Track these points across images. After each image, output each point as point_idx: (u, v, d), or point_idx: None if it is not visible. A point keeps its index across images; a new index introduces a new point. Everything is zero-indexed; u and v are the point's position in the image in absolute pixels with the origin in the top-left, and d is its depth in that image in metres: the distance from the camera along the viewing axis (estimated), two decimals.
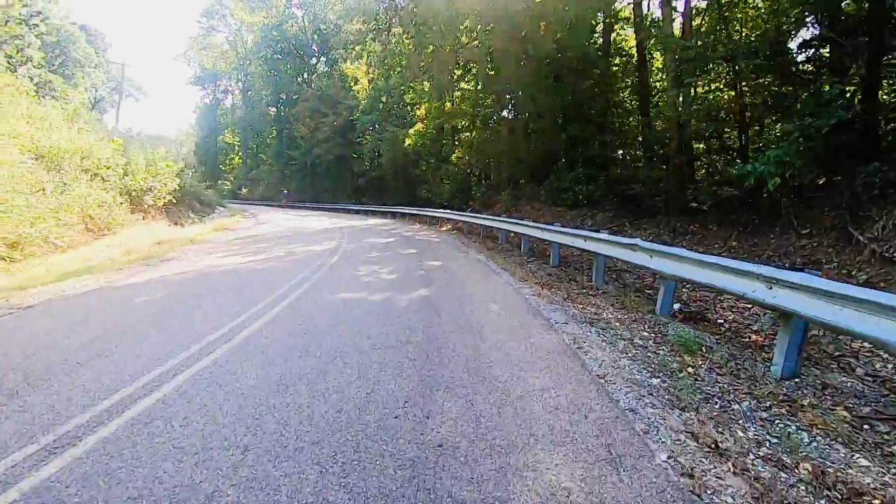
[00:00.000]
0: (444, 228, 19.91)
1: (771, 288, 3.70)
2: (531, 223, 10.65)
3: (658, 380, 3.61)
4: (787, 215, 7.60)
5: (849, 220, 6.61)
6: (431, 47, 17.33)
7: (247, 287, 7.00)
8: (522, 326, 5.01)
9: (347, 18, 38.82)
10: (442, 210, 20.76)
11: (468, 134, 24.52)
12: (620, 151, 14.73)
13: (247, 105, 61.91)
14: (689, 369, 3.81)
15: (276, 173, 54.32)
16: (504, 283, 7.56)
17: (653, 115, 13.09)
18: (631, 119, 14.16)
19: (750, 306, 5.52)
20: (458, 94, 24.06)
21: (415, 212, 23.93)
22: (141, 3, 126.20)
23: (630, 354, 4.17)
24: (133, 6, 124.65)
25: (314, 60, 53.37)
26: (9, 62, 38.32)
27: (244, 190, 60.70)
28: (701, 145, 11.44)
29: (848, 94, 7.00)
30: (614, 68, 15.45)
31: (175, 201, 23.79)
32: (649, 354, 4.19)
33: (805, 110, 7.17)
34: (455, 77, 19.85)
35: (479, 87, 21.24)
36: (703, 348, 4.29)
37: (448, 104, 22.87)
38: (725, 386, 3.54)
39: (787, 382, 3.59)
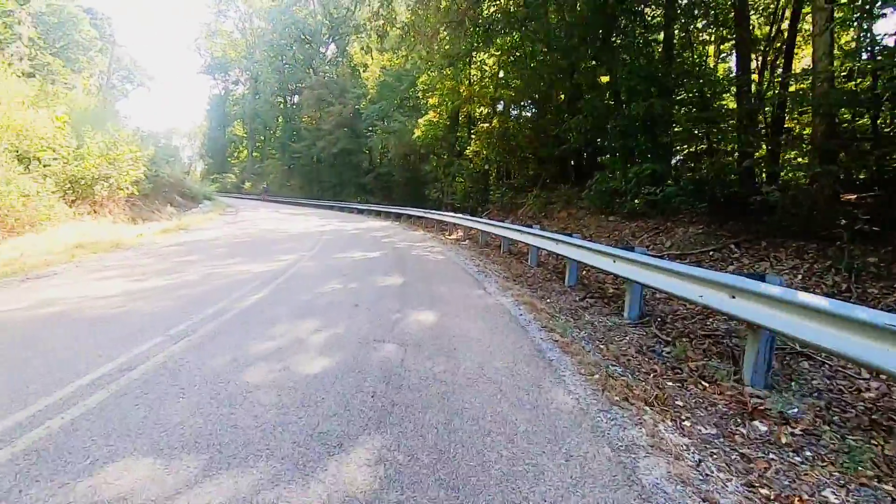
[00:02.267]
0: (453, 236, 15.97)
1: None
2: (588, 244, 6.66)
3: None
4: None
5: None
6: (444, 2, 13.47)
7: None
8: None
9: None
10: (452, 214, 16.83)
11: (486, 124, 20.56)
12: (700, 140, 10.58)
13: (254, 95, 58.83)
14: None
15: (282, 167, 51.13)
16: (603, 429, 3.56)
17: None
18: (725, 91, 10.04)
19: None
20: (475, 71, 20.07)
21: (421, 214, 20.05)
22: None
23: None
24: None
25: (323, 47, 49.94)
26: None
27: (248, 184, 57.62)
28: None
29: None
30: (699, 21, 11.23)
31: (143, 193, 20.37)
32: None
33: None
34: (473, 44, 15.85)
35: (504, 59, 17.18)
36: None
37: (465, 86, 19.04)
38: None
39: None
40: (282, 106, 54.73)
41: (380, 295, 5.76)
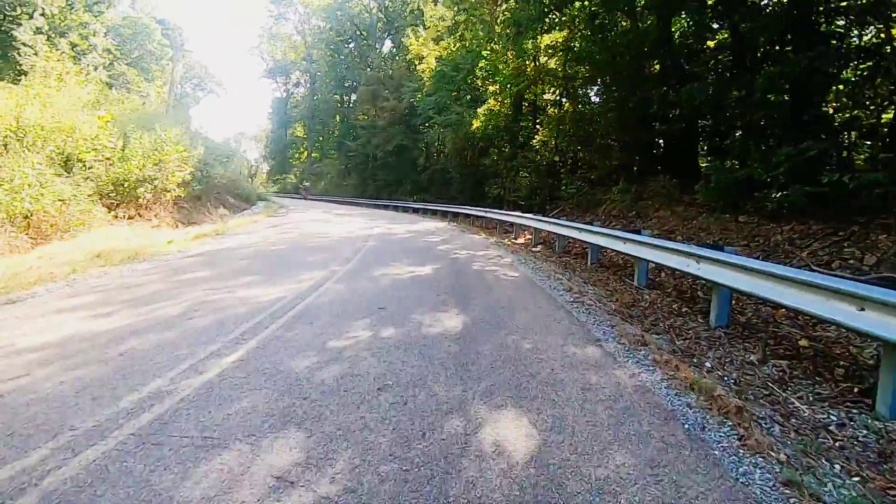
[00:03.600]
0: (520, 240, 13.49)
1: None
2: (769, 267, 3.99)
3: None
4: None
5: None
6: None
7: None
8: None
9: None
10: (518, 214, 14.34)
11: (556, 109, 17.85)
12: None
13: (312, 95, 59.02)
14: None
15: (339, 166, 50.70)
16: None
17: None
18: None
19: None
20: (546, 41, 17.29)
21: (481, 214, 17.70)
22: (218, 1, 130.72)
23: None
24: (210, 2, 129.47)
25: (378, 43, 48.79)
26: (73, 50, 36.99)
27: (305, 184, 57.89)
28: None
29: None
30: None
31: (194, 195, 19.61)
32: None
33: None
34: (545, 7, 13.14)
35: (580, 28, 14.34)
36: None
37: (531, 64, 16.48)
38: None
39: None
40: (339, 104, 54.39)
41: (426, 359, 3.48)
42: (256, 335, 3.96)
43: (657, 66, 12.77)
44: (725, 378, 3.43)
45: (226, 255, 9.06)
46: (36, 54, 27.83)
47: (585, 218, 14.22)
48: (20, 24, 32.65)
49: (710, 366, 3.72)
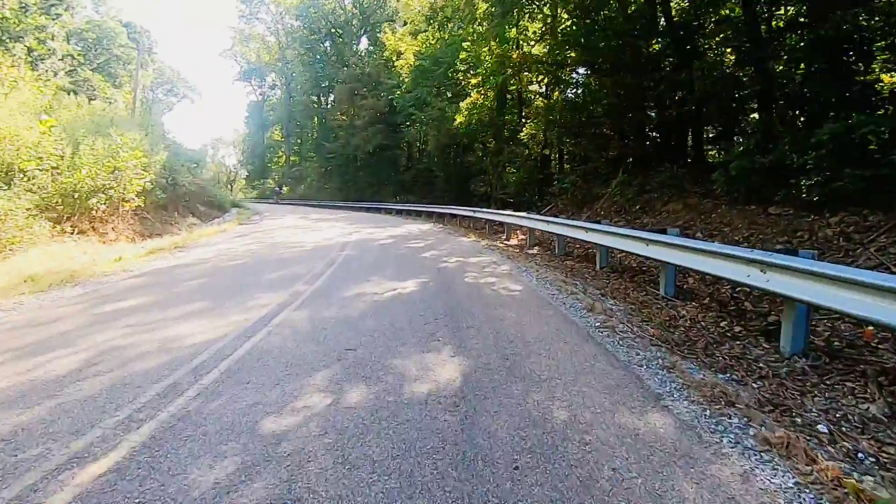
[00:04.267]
0: (513, 241, 12.33)
1: None
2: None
3: None
4: None
5: None
6: None
7: None
8: None
9: None
10: (510, 213, 13.17)
11: (545, 100, 16.71)
12: None
13: (288, 96, 57.15)
14: None
15: (319, 170, 49.06)
16: None
17: None
18: None
19: None
20: (532, 27, 16.15)
21: (468, 213, 16.49)
22: (188, 3, 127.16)
23: None
24: (181, 5, 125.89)
25: (354, 40, 47.25)
26: (29, 55, 34.82)
27: (285, 188, 56.02)
28: None
29: None
30: None
31: (159, 204, 18.14)
32: None
33: None
34: None
35: (569, 8, 13.18)
36: None
37: (516, 51, 15.30)
38: None
39: None
40: (316, 106, 52.70)
41: (409, 452, 2.24)
42: (158, 413, 2.67)
43: (656, 46, 11.68)
44: (874, 465, 2.23)
45: (175, 275, 7.68)
46: None
47: (582, 214, 13.11)
48: None
49: (825, 430, 2.54)
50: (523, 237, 13.32)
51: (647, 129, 12.05)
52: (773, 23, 8.31)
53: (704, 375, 3.17)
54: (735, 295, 5.36)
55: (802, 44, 7.69)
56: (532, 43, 16.33)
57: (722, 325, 4.52)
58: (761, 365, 3.53)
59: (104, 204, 13.28)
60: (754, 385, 3.17)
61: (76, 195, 12.71)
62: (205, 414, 2.65)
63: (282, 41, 57.47)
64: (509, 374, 3.14)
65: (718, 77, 9.07)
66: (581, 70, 14.23)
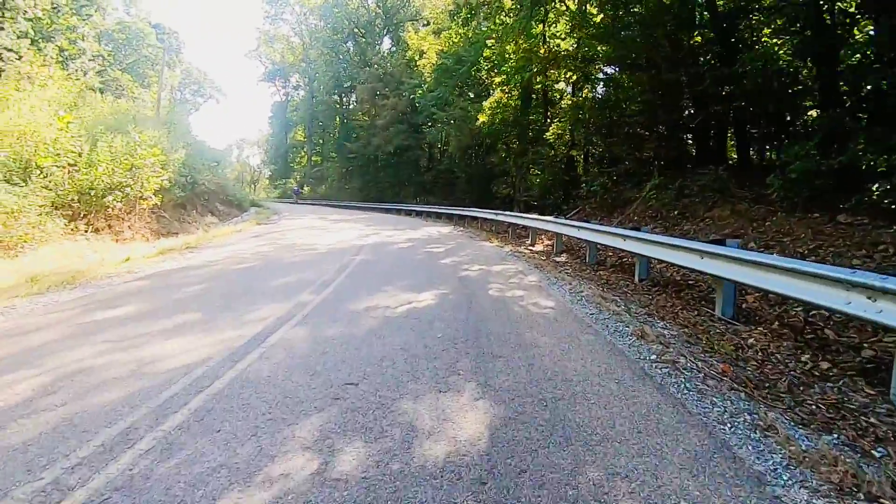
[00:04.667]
0: (538, 248, 11.55)
1: None
2: None
3: None
4: None
5: None
6: None
7: None
8: None
9: None
10: (535, 216, 12.40)
11: (574, 98, 15.87)
12: None
13: (311, 96, 57.28)
14: None
15: (340, 170, 48.94)
16: None
17: None
18: None
19: None
20: (561, 24, 15.34)
21: (490, 216, 15.75)
22: (216, 4, 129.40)
23: None
24: (208, 6, 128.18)
25: (377, 40, 46.98)
26: (61, 54, 35.51)
27: (306, 188, 56.08)
28: None
29: None
30: None
31: (178, 203, 18.02)
32: None
33: None
34: None
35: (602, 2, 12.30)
36: None
37: (543, 47, 14.53)
38: None
39: None
40: (338, 106, 52.66)
41: None
42: (92, 478, 2.05)
43: (697, 38, 10.76)
44: None
45: (178, 279, 7.18)
46: (20, 59, 26.40)
47: (613, 219, 12.26)
48: (2, 29, 31.23)
49: None
50: (549, 242, 12.54)
51: (686, 128, 11.14)
52: (840, 4, 7.37)
53: (813, 443, 2.39)
54: (810, 319, 4.53)
55: (875, 31, 6.75)
56: (561, 37, 15.52)
57: (803, 358, 3.71)
58: (873, 421, 2.74)
59: (120, 202, 13.03)
60: (876, 453, 2.38)
61: (92, 192, 12.48)
62: (150, 481, 2.01)
63: (305, 42, 57.74)
64: (551, 431, 2.43)
65: (771, 71, 8.15)
66: (611, 67, 13.36)
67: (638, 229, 6.83)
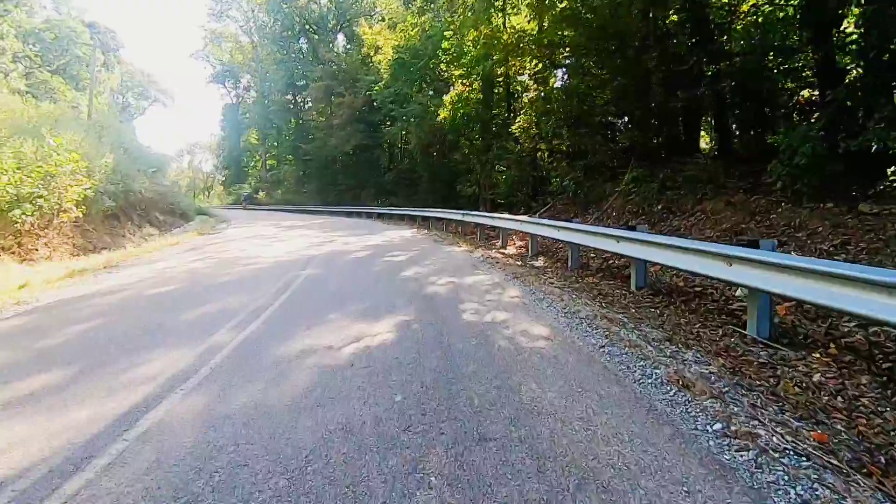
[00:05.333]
0: (511, 250, 10.48)
1: None
2: None
3: None
4: None
5: None
6: None
7: None
8: None
9: None
10: (505, 216, 11.34)
11: (539, 87, 14.92)
12: None
13: (263, 97, 54.55)
14: None
15: (297, 173, 46.68)
16: None
17: None
18: None
19: None
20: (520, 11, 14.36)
21: (457, 217, 14.60)
22: (158, 3, 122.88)
23: None
24: (150, 5, 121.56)
25: (330, 37, 45.04)
26: None
27: (262, 194, 53.36)
28: None
29: None
30: None
31: (110, 213, 16.07)
32: None
33: None
34: None
35: None
36: None
37: (507, 32, 13.50)
38: None
39: None
40: (291, 106, 50.28)
41: None
42: None
43: (673, 17, 9.92)
44: None
45: (70, 313, 5.60)
46: None
47: (588, 216, 11.34)
48: None
49: None
50: (521, 244, 11.50)
51: (665, 115, 10.31)
52: None
53: None
54: (874, 339, 3.56)
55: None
56: (526, 21, 14.53)
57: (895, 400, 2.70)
58: None
59: (31, 215, 11.15)
60: None
61: None
62: None
63: (255, 40, 55.00)
64: None
65: (764, 45, 7.34)
66: (577, 53, 12.41)
67: (633, 228, 5.79)
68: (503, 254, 9.94)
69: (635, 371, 3.19)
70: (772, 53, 7.39)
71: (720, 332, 4.08)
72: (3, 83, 29.59)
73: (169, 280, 7.58)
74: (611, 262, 7.67)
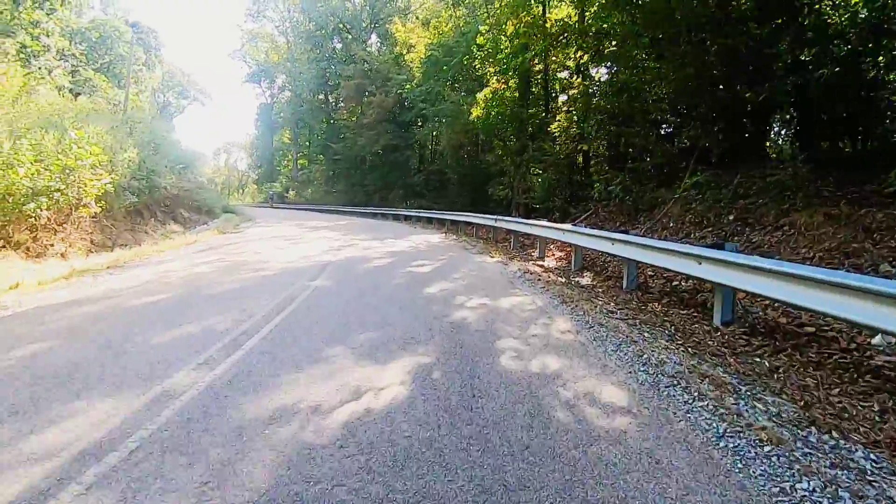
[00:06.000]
0: (550, 263, 9.23)
1: None
2: None
3: None
4: None
5: None
6: None
7: None
8: None
9: None
10: (544, 223, 10.10)
11: (581, 84, 13.59)
12: None
13: (295, 95, 54.70)
14: None
15: (326, 173, 46.42)
16: None
17: None
18: None
19: None
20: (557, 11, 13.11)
21: (488, 222, 13.42)
22: (198, 3, 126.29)
23: None
24: (190, 6, 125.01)
25: (364, 35, 44.61)
26: (22, 51, 32.78)
27: (292, 193, 53.40)
28: None
29: None
30: None
31: (132, 209, 15.76)
32: None
33: None
34: None
35: None
36: None
37: (549, 21, 12.27)
38: None
39: None
40: (323, 106, 50.15)
41: None
42: None
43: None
44: None
45: (27, 329, 4.70)
46: None
47: (639, 226, 9.97)
48: None
49: None
50: (561, 254, 10.24)
51: (741, 111, 8.86)
52: None
53: None
54: None
55: None
56: (566, 12, 13.26)
57: None
58: None
59: (47, 209, 10.67)
60: None
61: (10, 199, 10.17)
62: None
63: (290, 40, 55.31)
64: None
65: (876, 22, 5.91)
66: (630, 41, 11.03)
67: (721, 247, 4.48)
68: (542, 266, 8.71)
69: (794, 491, 1.95)
70: (872, 38, 5.93)
71: (875, 406, 2.78)
72: (48, 79, 30.19)
73: (163, 287, 6.69)
74: (676, 283, 6.35)
